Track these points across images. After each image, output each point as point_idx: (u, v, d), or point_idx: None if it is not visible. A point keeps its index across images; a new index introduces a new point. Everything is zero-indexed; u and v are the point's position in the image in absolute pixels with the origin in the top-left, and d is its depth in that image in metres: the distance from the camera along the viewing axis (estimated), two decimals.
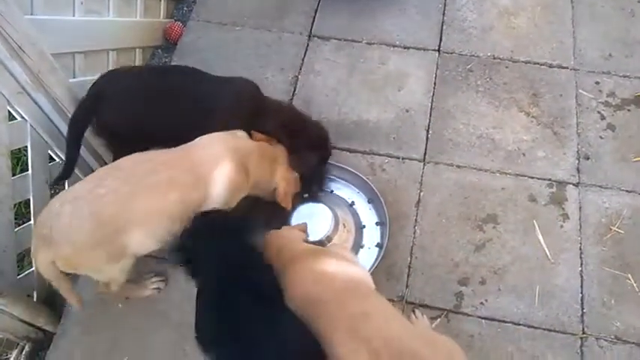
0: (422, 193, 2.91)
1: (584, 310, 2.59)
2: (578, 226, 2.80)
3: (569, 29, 3.48)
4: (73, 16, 2.83)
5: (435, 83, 3.29)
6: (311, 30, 3.54)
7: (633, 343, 2.51)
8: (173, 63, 3.44)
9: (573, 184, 2.92)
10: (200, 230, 2.05)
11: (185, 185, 2.27)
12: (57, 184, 2.65)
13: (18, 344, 2.56)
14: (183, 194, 2.26)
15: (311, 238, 2.59)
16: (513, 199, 2.89)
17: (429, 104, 3.21)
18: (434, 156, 3.03)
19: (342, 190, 2.93)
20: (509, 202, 2.88)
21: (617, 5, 3.58)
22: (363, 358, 1.73)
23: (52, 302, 2.69)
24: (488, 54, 3.40)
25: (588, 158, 2.99)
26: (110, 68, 3.16)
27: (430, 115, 3.17)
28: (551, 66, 3.34)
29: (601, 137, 3.07)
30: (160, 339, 2.55)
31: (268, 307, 1.86)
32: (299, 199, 2.77)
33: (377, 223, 2.81)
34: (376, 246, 2.74)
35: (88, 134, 2.67)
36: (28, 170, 2.62)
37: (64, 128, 2.70)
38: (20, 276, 2.57)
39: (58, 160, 2.81)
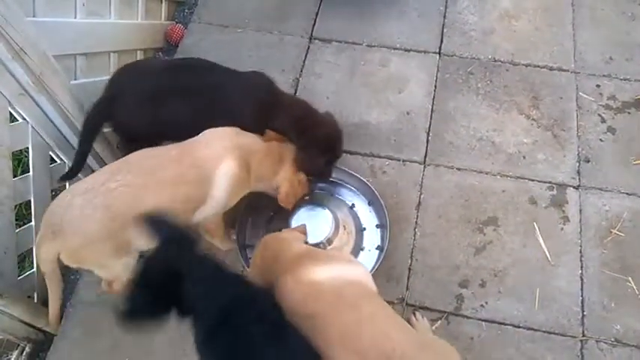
0: (422, 196, 2.92)
1: (585, 313, 2.59)
2: (579, 228, 2.80)
3: (570, 32, 3.49)
4: (75, 17, 2.83)
5: (435, 86, 3.30)
6: (312, 32, 3.54)
7: (633, 345, 2.51)
8: None
9: (574, 187, 2.92)
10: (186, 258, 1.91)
11: (190, 182, 2.30)
12: (68, 179, 2.66)
13: (18, 345, 2.57)
14: (188, 190, 2.29)
15: (311, 241, 2.60)
16: (514, 201, 2.89)
17: (430, 107, 3.21)
18: (434, 158, 3.03)
19: (343, 192, 2.93)
20: (509, 205, 2.88)
21: (617, 8, 3.58)
22: None
23: None
24: (489, 57, 3.40)
25: (589, 161, 3.00)
26: (112, 70, 3.16)
27: (431, 118, 3.17)
28: (551, 69, 3.34)
29: (601, 140, 3.07)
30: (160, 340, 2.55)
31: (281, 334, 1.82)
32: (301, 200, 2.77)
33: (377, 226, 2.81)
34: (376, 248, 2.75)
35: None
36: (29, 172, 2.63)
37: (66, 130, 2.71)
38: (21, 277, 2.58)
39: (59, 161, 2.81)
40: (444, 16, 3.60)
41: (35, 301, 2.65)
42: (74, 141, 2.78)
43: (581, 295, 2.63)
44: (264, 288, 1.99)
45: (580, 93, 3.24)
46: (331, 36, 3.52)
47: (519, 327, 2.57)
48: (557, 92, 3.25)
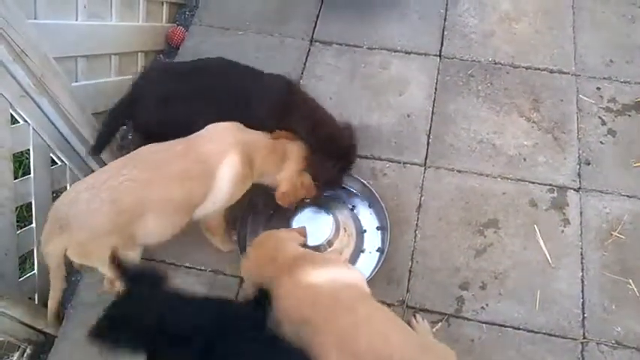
0: (423, 198, 2.92)
1: (585, 315, 2.59)
2: (579, 231, 2.80)
3: (570, 35, 3.49)
4: (76, 20, 2.84)
5: (436, 88, 3.30)
6: (313, 35, 3.55)
7: (634, 348, 2.51)
8: None
9: (574, 189, 2.93)
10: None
11: (193, 177, 2.31)
12: (94, 154, 2.76)
13: (19, 347, 2.56)
14: (192, 185, 2.31)
15: (312, 243, 2.60)
16: (514, 204, 2.89)
17: (430, 109, 3.21)
18: (435, 161, 3.04)
19: (344, 194, 2.93)
20: (510, 207, 2.88)
21: (617, 11, 3.59)
22: None
23: None
24: (489, 59, 3.41)
25: (589, 163, 3.00)
26: (113, 72, 3.16)
27: (431, 120, 3.17)
28: (551, 71, 3.34)
29: (602, 142, 3.07)
30: None
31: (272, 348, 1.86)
32: (301, 203, 2.76)
33: (378, 228, 2.81)
34: (377, 251, 2.75)
35: (89, 133, 2.69)
36: (30, 173, 2.63)
37: (67, 132, 2.72)
38: (22, 279, 2.58)
39: (60, 163, 2.81)
40: (445, 19, 3.60)
41: (36, 302, 2.65)
42: (75, 143, 2.80)
43: (582, 298, 2.63)
44: (243, 305, 2.01)
45: (580, 95, 3.24)
46: (332, 38, 3.53)
47: (520, 329, 2.57)
48: (558, 95, 3.25)
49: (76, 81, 2.87)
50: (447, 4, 3.66)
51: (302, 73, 3.37)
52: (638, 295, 2.63)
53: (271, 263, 2.11)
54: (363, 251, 2.77)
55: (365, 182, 2.87)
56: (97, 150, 2.72)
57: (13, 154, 2.53)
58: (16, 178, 2.56)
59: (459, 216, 2.87)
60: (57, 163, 2.82)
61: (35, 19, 2.53)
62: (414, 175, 2.99)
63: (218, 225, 2.60)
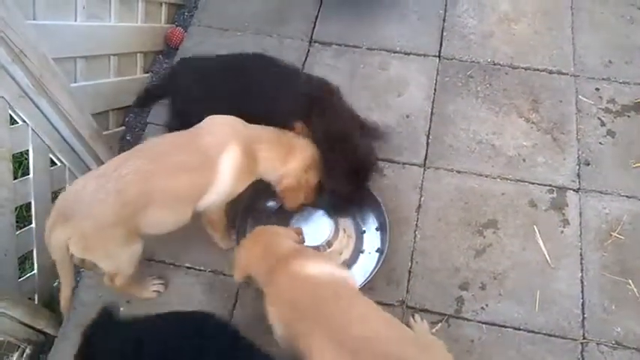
0: (422, 198, 2.92)
1: (585, 316, 2.59)
2: (579, 231, 2.81)
3: (569, 36, 3.50)
4: (75, 20, 2.84)
5: (435, 89, 3.30)
6: (312, 35, 3.55)
7: (634, 348, 2.51)
8: None
9: (573, 190, 2.93)
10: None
11: (195, 168, 2.32)
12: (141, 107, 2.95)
13: (19, 347, 2.56)
14: (194, 177, 2.33)
15: (311, 244, 2.61)
16: (514, 204, 2.89)
17: (430, 110, 3.22)
18: (434, 161, 3.04)
19: None
20: (509, 208, 2.88)
21: (616, 12, 3.59)
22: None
23: (52, 305, 2.69)
24: (489, 60, 3.41)
25: (588, 164, 3.00)
26: (112, 73, 3.16)
27: (430, 121, 3.17)
28: (551, 72, 3.35)
29: (601, 143, 3.07)
30: None
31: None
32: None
33: (377, 229, 2.81)
34: (376, 251, 2.74)
35: (88, 134, 2.68)
36: (29, 174, 2.62)
37: (66, 132, 2.73)
38: (21, 279, 2.58)
39: (59, 163, 2.81)
40: (444, 20, 3.60)
41: (36, 302, 2.65)
42: (74, 143, 2.80)
43: (582, 298, 2.63)
44: (217, 322, 2.02)
45: (579, 96, 3.24)
46: (331, 39, 3.53)
47: (520, 329, 2.57)
48: (557, 95, 3.25)
49: (75, 82, 2.86)
50: (446, 5, 3.66)
51: None
52: (637, 295, 2.63)
53: (265, 256, 2.14)
54: (362, 252, 2.77)
55: None
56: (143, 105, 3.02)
57: (13, 155, 2.52)
58: (15, 178, 2.55)
59: (458, 216, 2.87)
60: (56, 164, 2.81)
61: (34, 19, 2.53)
62: (413, 175, 2.99)
63: (219, 220, 2.60)
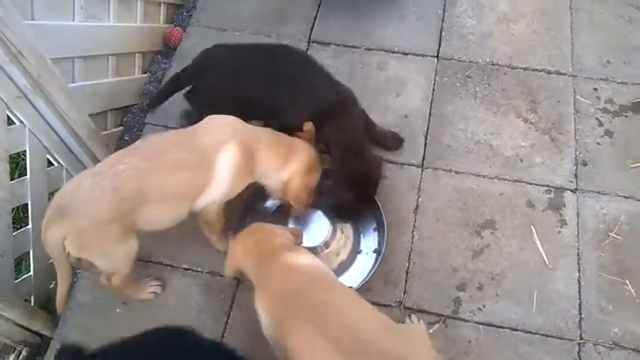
0: (420, 199, 2.92)
1: (582, 316, 2.59)
2: (576, 232, 2.80)
3: (568, 36, 3.49)
4: (73, 20, 2.83)
5: (433, 89, 3.30)
6: (310, 35, 3.54)
7: (631, 348, 2.51)
8: (172, 69, 3.44)
9: (571, 190, 2.93)
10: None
11: (192, 167, 2.32)
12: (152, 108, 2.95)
13: (15, 349, 2.55)
14: (191, 175, 2.33)
15: (309, 244, 2.60)
16: (511, 204, 2.89)
17: (428, 110, 3.21)
18: (432, 162, 3.03)
19: None
20: (507, 208, 2.88)
21: (615, 12, 3.59)
22: (322, 346, 1.78)
23: (49, 307, 2.69)
24: (487, 60, 3.41)
25: (586, 164, 3.00)
26: (110, 73, 3.16)
27: (429, 121, 3.17)
28: (549, 72, 3.34)
29: (599, 143, 3.07)
30: None
31: None
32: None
33: (375, 229, 2.81)
34: (374, 252, 2.75)
35: (86, 134, 2.67)
36: (26, 175, 2.62)
37: (63, 133, 2.72)
38: (17, 280, 2.58)
39: (56, 164, 2.81)
40: (442, 20, 3.60)
41: (32, 304, 2.65)
42: (71, 144, 2.80)
43: (579, 298, 2.63)
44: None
45: (577, 96, 3.24)
46: (329, 39, 3.52)
47: (517, 330, 2.57)
48: (555, 96, 3.25)
49: (73, 82, 2.86)
50: (444, 5, 3.66)
51: None
52: (635, 295, 2.63)
53: (256, 251, 2.16)
54: (359, 252, 2.77)
55: None
56: (154, 104, 2.99)
57: (10, 156, 2.52)
58: (12, 179, 2.55)
59: (456, 217, 2.86)
60: (53, 165, 2.81)
61: (32, 19, 2.52)
62: (411, 176, 2.98)
63: (217, 221, 2.58)
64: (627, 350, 2.51)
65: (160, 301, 2.66)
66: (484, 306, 2.63)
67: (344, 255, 2.72)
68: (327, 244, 2.69)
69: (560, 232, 2.81)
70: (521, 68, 3.37)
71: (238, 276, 2.30)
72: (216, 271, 2.72)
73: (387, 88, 3.30)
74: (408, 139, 3.09)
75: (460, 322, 2.60)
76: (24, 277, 2.63)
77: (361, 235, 2.81)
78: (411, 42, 3.50)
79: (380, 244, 2.74)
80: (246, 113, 2.55)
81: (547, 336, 2.55)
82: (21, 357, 2.57)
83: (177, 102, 3.04)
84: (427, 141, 3.10)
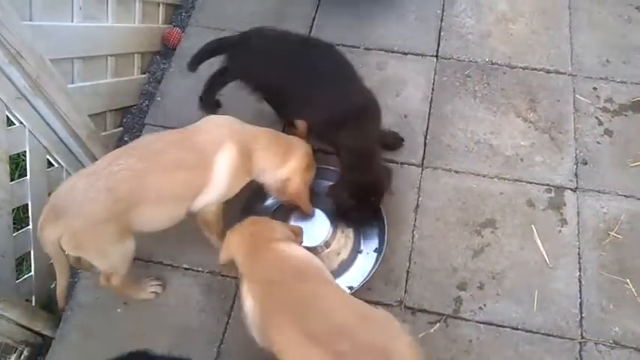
0: (420, 199, 2.92)
1: (583, 315, 2.59)
2: (577, 231, 2.81)
3: (567, 35, 3.50)
4: (72, 21, 2.83)
5: (433, 89, 3.30)
6: (309, 35, 3.54)
7: (632, 347, 2.51)
8: (171, 69, 3.45)
9: (571, 189, 2.93)
10: None
11: (190, 167, 2.32)
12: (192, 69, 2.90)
13: (16, 349, 2.55)
14: (188, 175, 2.32)
15: (309, 244, 2.60)
16: (511, 204, 2.89)
17: (427, 110, 3.21)
18: (432, 161, 3.04)
19: None
20: (507, 207, 2.88)
21: (614, 11, 3.59)
22: (296, 337, 1.81)
23: (50, 307, 2.69)
24: (486, 60, 3.41)
25: (586, 163, 3.00)
26: (109, 74, 3.16)
27: (428, 121, 3.17)
28: (548, 72, 3.35)
29: (598, 143, 3.07)
30: (158, 344, 2.54)
31: None
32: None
33: (375, 228, 2.80)
34: (374, 251, 2.74)
35: (86, 135, 2.67)
36: (26, 175, 2.62)
37: (63, 134, 2.72)
38: (19, 280, 2.58)
39: (56, 165, 2.81)
40: (441, 20, 3.60)
41: (33, 304, 2.65)
42: (71, 144, 2.80)
43: (580, 297, 2.63)
44: None
45: (577, 96, 3.24)
46: (328, 39, 3.46)
47: (518, 329, 2.57)
48: (555, 95, 3.25)
49: (72, 82, 2.86)
50: (443, 5, 3.66)
51: None
52: (635, 294, 2.63)
53: (250, 241, 2.16)
54: (360, 252, 2.77)
55: None
56: (193, 66, 2.90)
57: (10, 156, 2.52)
58: (12, 180, 2.55)
59: (456, 216, 2.86)
60: (53, 165, 2.81)
61: (30, 20, 2.52)
62: (411, 175, 2.98)
63: (215, 221, 2.57)
64: (628, 349, 2.51)
65: (161, 301, 2.66)
66: (485, 305, 2.63)
67: (344, 254, 2.72)
68: (327, 244, 2.69)
69: (560, 231, 2.81)
70: (520, 68, 3.37)
71: (231, 265, 2.28)
72: (217, 270, 2.73)
73: (387, 88, 3.29)
74: (407, 139, 3.09)
75: (461, 321, 2.59)
76: (25, 277, 2.63)
77: (361, 235, 2.80)
78: (410, 42, 3.50)
79: (380, 243, 2.73)
80: (270, 98, 2.68)
81: (548, 335, 2.55)
82: (22, 357, 2.57)
83: (177, 102, 3.05)
84: (427, 140, 3.10)
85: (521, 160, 3.02)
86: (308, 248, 2.59)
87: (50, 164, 2.79)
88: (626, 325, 2.56)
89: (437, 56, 3.44)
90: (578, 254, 2.74)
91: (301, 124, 2.73)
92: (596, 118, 3.16)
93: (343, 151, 2.62)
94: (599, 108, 3.20)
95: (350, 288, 2.59)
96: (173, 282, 2.71)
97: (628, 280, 2.67)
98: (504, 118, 3.18)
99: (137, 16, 3.41)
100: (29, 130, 2.57)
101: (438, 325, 2.58)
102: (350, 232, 2.79)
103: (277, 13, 3.65)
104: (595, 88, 3.27)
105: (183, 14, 3.84)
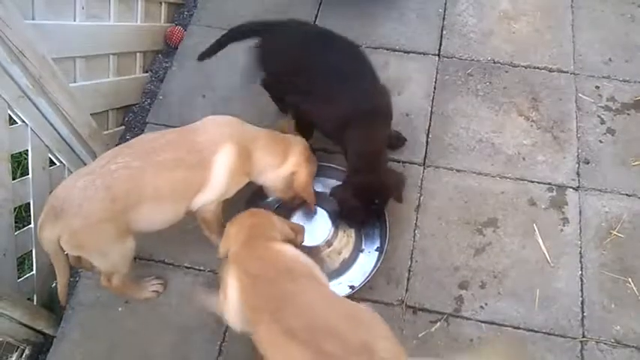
0: (422, 197, 2.92)
1: (585, 314, 2.59)
2: (578, 229, 2.80)
3: (569, 34, 3.49)
4: (74, 20, 2.83)
5: (435, 87, 3.30)
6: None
7: (633, 346, 2.51)
8: (174, 68, 3.45)
9: (573, 188, 2.92)
10: None
11: (188, 166, 2.31)
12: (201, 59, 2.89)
13: (18, 347, 2.56)
14: (187, 174, 2.31)
15: (311, 243, 2.61)
16: (513, 203, 2.89)
17: (429, 108, 3.21)
18: (434, 160, 3.03)
19: None
20: (509, 206, 2.88)
21: (616, 10, 3.59)
22: (277, 335, 1.80)
23: (52, 306, 2.70)
24: (488, 58, 3.41)
25: (588, 162, 3.00)
26: (111, 73, 3.16)
27: (430, 120, 3.17)
28: (550, 70, 3.34)
29: (601, 141, 3.07)
30: (159, 343, 2.56)
31: None
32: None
33: (377, 227, 2.80)
34: (376, 250, 2.74)
35: (87, 134, 2.67)
36: (28, 174, 2.62)
37: (65, 132, 2.73)
38: (20, 279, 2.58)
39: (58, 163, 2.81)
40: (444, 18, 3.60)
41: (35, 303, 2.65)
42: (73, 143, 2.80)
43: (581, 296, 2.63)
44: None
45: (579, 94, 3.24)
46: None
47: (519, 328, 2.56)
48: (557, 94, 3.25)
49: (75, 81, 2.86)
50: (445, 4, 3.66)
51: None
52: (637, 293, 2.63)
53: (249, 233, 2.15)
54: (362, 251, 2.77)
55: None
56: (205, 56, 2.87)
57: (12, 155, 2.52)
58: (14, 178, 2.55)
59: (458, 215, 2.86)
60: (55, 164, 2.82)
61: (33, 19, 2.52)
62: (413, 174, 2.98)
63: (215, 220, 2.57)
64: (630, 348, 2.51)
65: (162, 300, 2.66)
66: (486, 304, 2.62)
67: (346, 253, 2.73)
68: (329, 243, 2.70)
69: (562, 230, 2.80)
70: (522, 66, 3.37)
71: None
72: (218, 269, 2.72)
73: (389, 87, 3.27)
74: (409, 138, 3.09)
75: (462, 320, 2.59)
76: (26, 276, 2.64)
77: (363, 234, 2.80)
78: (412, 40, 3.50)
79: (382, 242, 2.73)
80: (286, 86, 2.72)
81: (549, 334, 2.55)
82: (24, 356, 2.58)
83: (179, 100, 3.05)
84: (429, 139, 3.10)
85: (523, 158, 3.02)
86: (310, 247, 2.60)
87: (52, 163, 2.80)
88: (628, 324, 2.56)
89: (439, 55, 3.44)
90: (580, 253, 2.74)
91: (288, 126, 2.74)
92: (599, 116, 3.16)
93: (350, 152, 2.61)
94: (602, 107, 3.19)
95: (351, 287, 2.60)
96: (174, 281, 2.72)
97: (630, 279, 2.66)
98: (506, 117, 3.17)
99: (139, 14, 3.41)
100: (31, 129, 2.58)
101: (439, 324, 2.58)
102: (352, 231, 2.80)
103: (280, 12, 3.64)
104: (597, 87, 3.26)
105: (186, 13, 3.84)
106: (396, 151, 3.04)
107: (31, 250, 2.66)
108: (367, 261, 2.71)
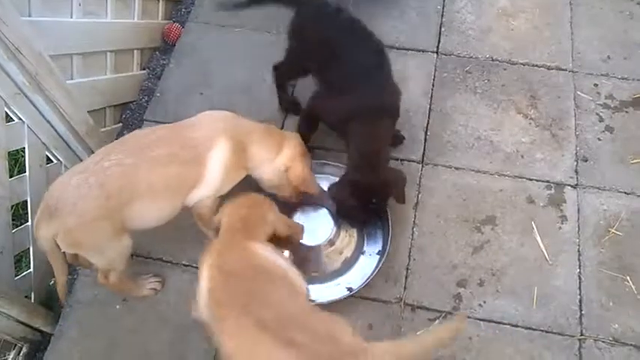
0: (420, 195, 2.91)
1: (583, 312, 2.59)
2: (577, 227, 2.80)
3: (568, 31, 3.49)
4: (71, 17, 2.82)
5: (433, 85, 3.29)
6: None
7: (632, 345, 2.51)
8: (171, 65, 3.44)
9: (572, 186, 2.92)
10: None
11: (182, 162, 2.30)
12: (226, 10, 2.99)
13: (15, 345, 2.55)
14: (181, 170, 2.30)
15: (312, 242, 2.62)
16: (512, 200, 2.89)
17: (428, 106, 3.21)
18: (432, 158, 3.03)
19: None
20: (507, 204, 2.88)
21: (615, 7, 3.58)
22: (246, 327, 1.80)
23: (49, 303, 2.69)
24: (487, 56, 3.40)
25: (586, 160, 2.99)
26: (108, 70, 3.15)
27: (428, 117, 3.17)
28: (549, 68, 3.34)
29: (599, 139, 3.07)
30: (157, 340, 2.55)
31: None
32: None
33: (379, 229, 2.78)
34: (377, 253, 2.73)
35: (85, 131, 2.66)
36: (25, 172, 2.61)
37: (62, 130, 2.72)
38: (17, 277, 2.57)
39: (55, 161, 2.80)
40: (442, 15, 3.59)
41: (32, 301, 2.64)
42: (70, 140, 2.79)
43: (579, 294, 2.63)
44: None
45: (578, 92, 3.24)
46: None
47: (517, 326, 2.56)
48: (555, 91, 3.25)
49: (72, 79, 2.85)
50: (444, 1, 3.66)
51: None
52: (635, 291, 2.63)
53: (238, 224, 2.14)
54: (363, 253, 2.75)
55: None
56: (231, 8, 3.00)
57: (8, 153, 2.51)
58: (11, 176, 2.54)
59: (456, 213, 2.86)
60: (52, 161, 2.80)
61: (29, 16, 2.50)
62: (411, 172, 2.97)
63: (210, 215, 2.53)
64: (628, 346, 2.51)
65: (160, 297, 2.65)
66: (484, 302, 2.62)
67: (347, 254, 2.72)
68: (331, 242, 2.70)
69: (560, 227, 2.80)
70: (521, 64, 3.36)
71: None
72: None
73: None
74: (408, 135, 3.09)
75: None
76: (24, 273, 2.63)
77: (365, 236, 2.79)
78: (410, 37, 3.50)
79: (384, 245, 2.70)
80: (301, 67, 2.85)
81: (548, 332, 2.55)
82: (21, 353, 2.57)
83: (177, 97, 3.04)
84: (427, 137, 3.10)
85: (522, 156, 3.02)
86: (311, 246, 2.60)
87: (49, 160, 2.78)
88: (626, 322, 2.56)
89: (437, 52, 3.44)
90: (578, 251, 2.74)
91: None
92: (597, 114, 3.15)
93: (351, 148, 2.60)
94: (600, 104, 3.19)
95: (349, 289, 2.59)
96: (172, 278, 2.71)
97: (628, 277, 2.66)
98: (505, 115, 3.17)
99: (137, 11, 3.40)
100: (28, 127, 2.57)
101: (437, 321, 2.58)
102: (354, 231, 2.79)
103: (278, 10, 3.61)
104: (596, 85, 3.26)
105: (183, 10, 3.83)
106: (395, 148, 3.03)
107: (29, 248, 2.65)
108: (367, 264, 2.70)
